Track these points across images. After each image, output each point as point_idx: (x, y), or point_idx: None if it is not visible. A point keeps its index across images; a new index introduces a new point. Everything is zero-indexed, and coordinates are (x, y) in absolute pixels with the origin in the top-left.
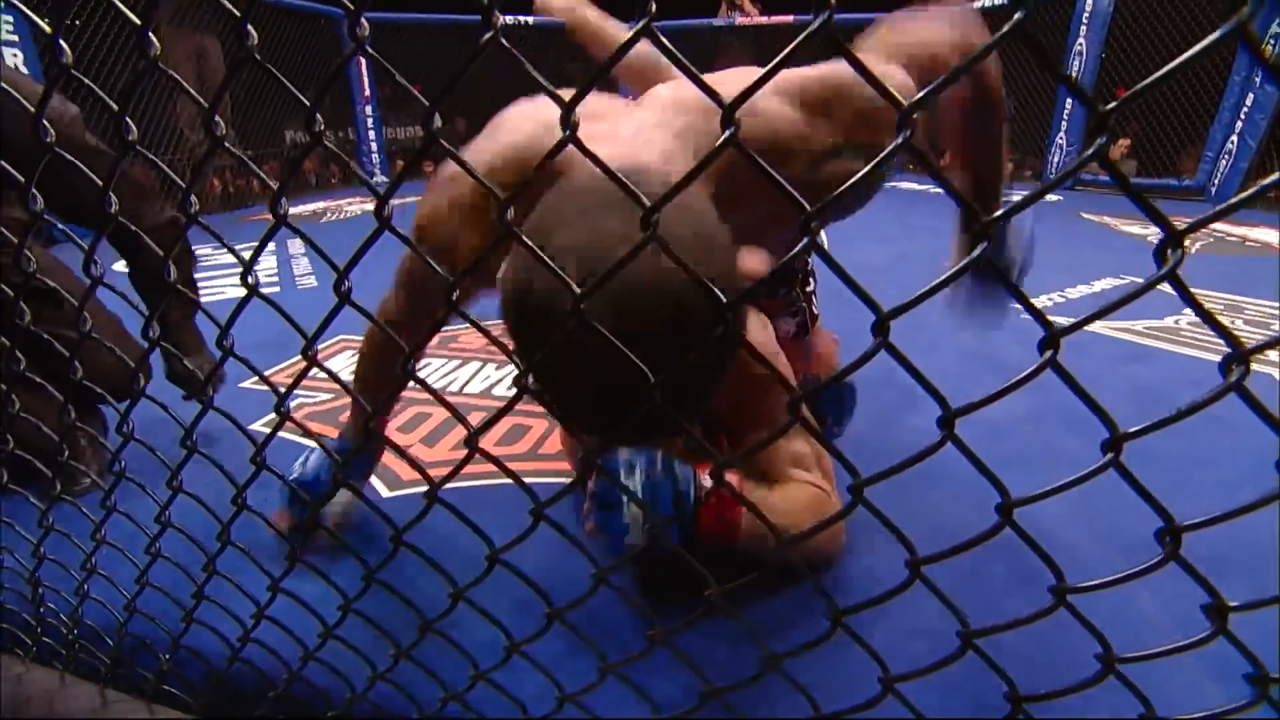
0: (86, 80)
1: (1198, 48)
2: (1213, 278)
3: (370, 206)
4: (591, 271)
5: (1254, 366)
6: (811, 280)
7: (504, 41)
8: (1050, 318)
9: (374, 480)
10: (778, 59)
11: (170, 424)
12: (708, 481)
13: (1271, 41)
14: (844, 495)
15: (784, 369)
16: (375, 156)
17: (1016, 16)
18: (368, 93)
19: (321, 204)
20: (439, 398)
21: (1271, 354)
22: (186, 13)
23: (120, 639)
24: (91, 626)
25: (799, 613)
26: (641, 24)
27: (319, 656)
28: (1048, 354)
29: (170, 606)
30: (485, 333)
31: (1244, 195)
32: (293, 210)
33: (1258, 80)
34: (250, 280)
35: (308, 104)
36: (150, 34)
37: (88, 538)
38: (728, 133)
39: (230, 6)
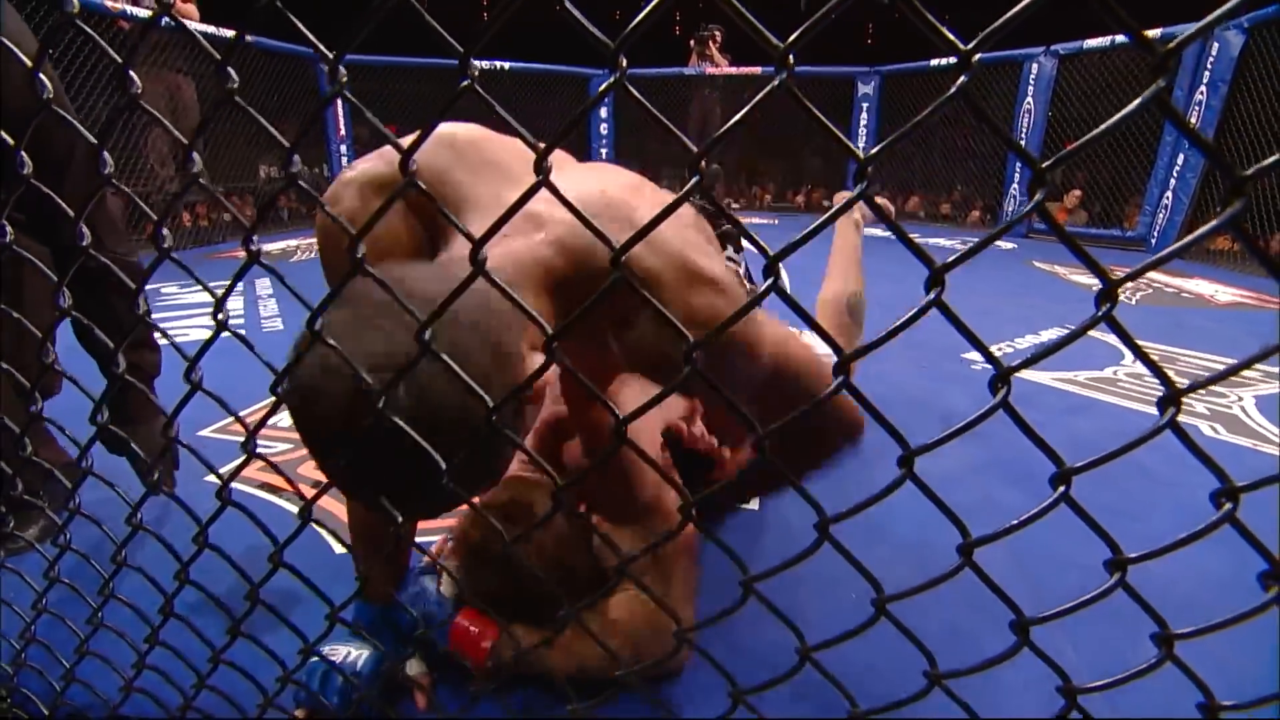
0: (69, 116)
1: (1116, 118)
2: (1148, 329)
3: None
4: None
5: (1195, 423)
6: None
7: (479, 89)
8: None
9: (327, 538)
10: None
11: (121, 480)
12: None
13: (1197, 107)
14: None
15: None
16: None
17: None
18: (343, 132)
19: (293, 241)
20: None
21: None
22: (160, 53)
23: (55, 706)
24: (26, 694)
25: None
26: (614, 78)
27: None
28: (1001, 392)
29: (110, 674)
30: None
31: (1176, 246)
32: (263, 248)
33: (1186, 142)
34: (220, 317)
35: (286, 145)
36: (130, 71)
37: (29, 606)
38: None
39: (211, 49)
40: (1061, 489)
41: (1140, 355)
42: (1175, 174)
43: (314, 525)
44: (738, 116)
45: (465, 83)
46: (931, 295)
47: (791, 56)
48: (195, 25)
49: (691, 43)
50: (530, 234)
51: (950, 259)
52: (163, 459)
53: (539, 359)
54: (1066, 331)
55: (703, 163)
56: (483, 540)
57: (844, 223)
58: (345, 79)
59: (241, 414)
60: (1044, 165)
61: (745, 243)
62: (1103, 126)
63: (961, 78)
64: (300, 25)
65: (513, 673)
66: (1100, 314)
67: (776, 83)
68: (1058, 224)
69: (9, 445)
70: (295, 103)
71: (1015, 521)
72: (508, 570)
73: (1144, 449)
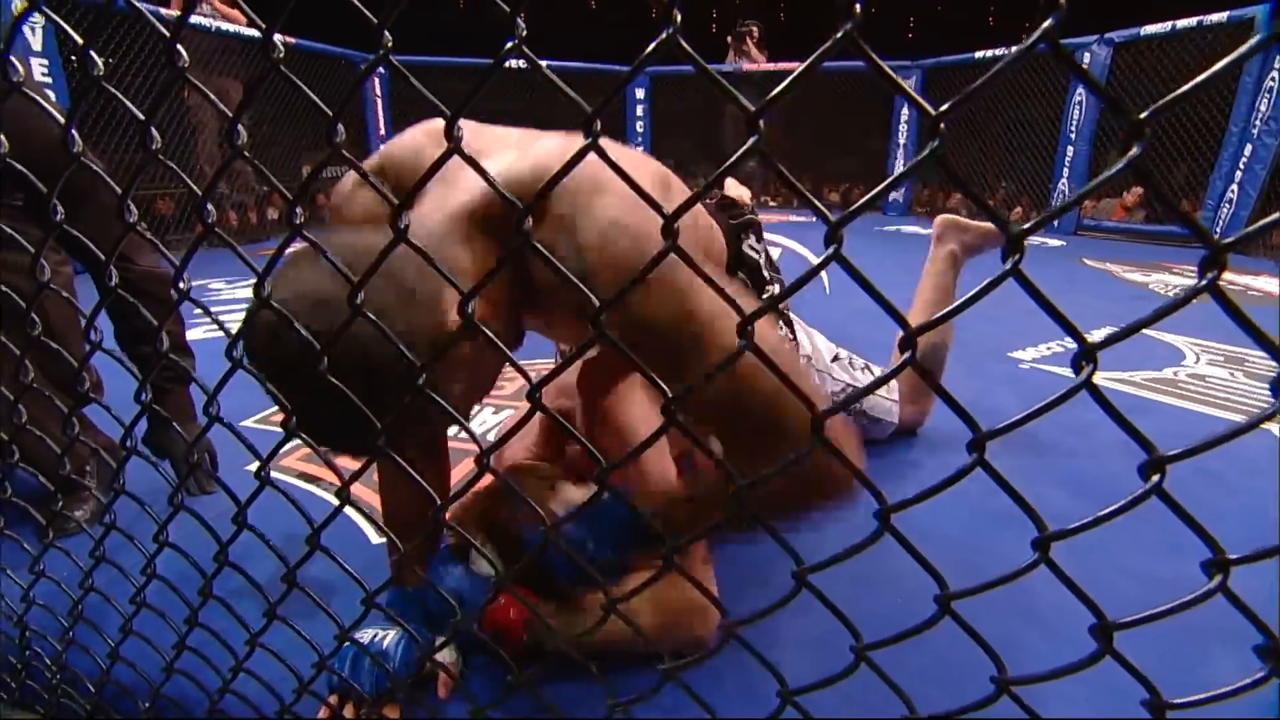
0: (117, 93)
1: (1228, 60)
2: (1213, 327)
3: None
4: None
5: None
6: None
7: (524, 50)
8: (1048, 368)
9: (363, 525)
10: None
11: (165, 469)
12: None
13: (1268, 94)
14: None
15: (660, 464)
16: None
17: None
18: (383, 131)
19: None
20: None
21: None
22: (209, 58)
23: (101, 685)
24: (74, 672)
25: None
26: (665, 34)
27: (294, 710)
28: (1086, 370)
29: (152, 654)
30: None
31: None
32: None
33: (1255, 132)
34: (236, 355)
35: (330, 114)
36: (179, 46)
37: (76, 585)
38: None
39: (257, 21)
40: (1155, 478)
41: (1248, 327)
42: (1241, 165)
43: (351, 515)
44: (802, 67)
45: (511, 43)
46: (1008, 264)
47: (858, 5)
48: (238, 27)
49: (729, 39)
50: (466, 190)
51: (1028, 224)
52: (200, 461)
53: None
54: (1123, 327)
55: (760, 121)
56: (500, 522)
57: (940, 253)
58: (390, 44)
59: (274, 411)
60: (1141, 115)
61: (786, 238)
62: (1215, 68)
63: (1049, 20)
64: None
65: (549, 650)
66: (1204, 283)
67: (842, 33)
68: (1155, 180)
69: (54, 427)
70: (332, 102)
71: (1102, 513)
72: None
73: (1212, 454)
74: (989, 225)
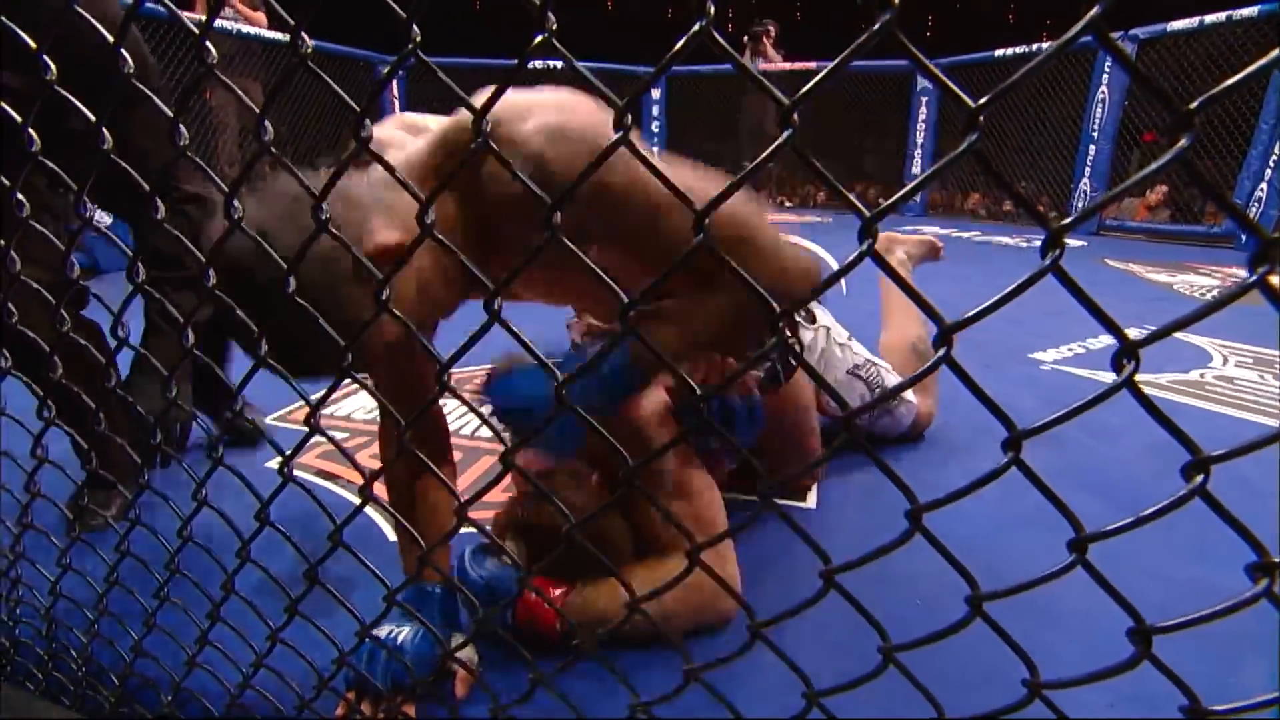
0: (145, 90)
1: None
2: (1244, 330)
3: None
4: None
5: None
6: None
7: (555, 43)
8: (1070, 369)
9: (381, 523)
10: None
11: (193, 460)
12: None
13: None
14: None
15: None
16: None
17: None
18: None
19: None
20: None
21: None
22: (231, 59)
23: (125, 678)
24: (100, 665)
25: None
26: (699, 26)
27: (314, 706)
28: (1127, 370)
29: (175, 648)
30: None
31: None
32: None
33: None
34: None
35: (357, 109)
36: (208, 43)
37: (102, 579)
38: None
39: (285, 13)
40: (1199, 479)
41: None
42: (1271, 164)
43: (369, 513)
44: (838, 60)
45: (541, 36)
46: (1048, 260)
47: None
48: (258, 30)
49: (745, 39)
50: (417, 141)
51: (1067, 221)
52: (171, 428)
53: (391, 233)
54: (1150, 331)
55: (795, 115)
56: (526, 517)
57: (892, 261)
58: (419, 38)
59: (298, 406)
60: (1191, 105)
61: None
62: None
63: (1096, 9)
64: None
65: (583, 629)
66: (1254, 278)
67: (880, 24)
68: (1196, 168)
69: (82, 421)
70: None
71: (1144, 513)
72: (553, 542)
73: (1244, 459)
74: (922, 237)
